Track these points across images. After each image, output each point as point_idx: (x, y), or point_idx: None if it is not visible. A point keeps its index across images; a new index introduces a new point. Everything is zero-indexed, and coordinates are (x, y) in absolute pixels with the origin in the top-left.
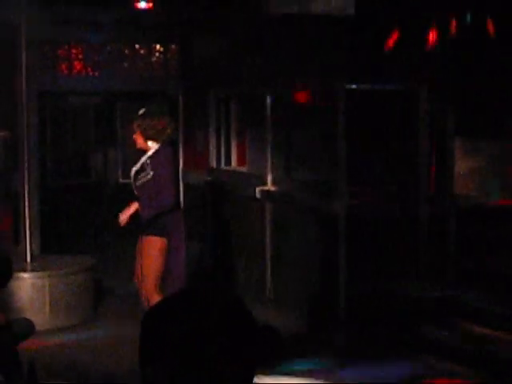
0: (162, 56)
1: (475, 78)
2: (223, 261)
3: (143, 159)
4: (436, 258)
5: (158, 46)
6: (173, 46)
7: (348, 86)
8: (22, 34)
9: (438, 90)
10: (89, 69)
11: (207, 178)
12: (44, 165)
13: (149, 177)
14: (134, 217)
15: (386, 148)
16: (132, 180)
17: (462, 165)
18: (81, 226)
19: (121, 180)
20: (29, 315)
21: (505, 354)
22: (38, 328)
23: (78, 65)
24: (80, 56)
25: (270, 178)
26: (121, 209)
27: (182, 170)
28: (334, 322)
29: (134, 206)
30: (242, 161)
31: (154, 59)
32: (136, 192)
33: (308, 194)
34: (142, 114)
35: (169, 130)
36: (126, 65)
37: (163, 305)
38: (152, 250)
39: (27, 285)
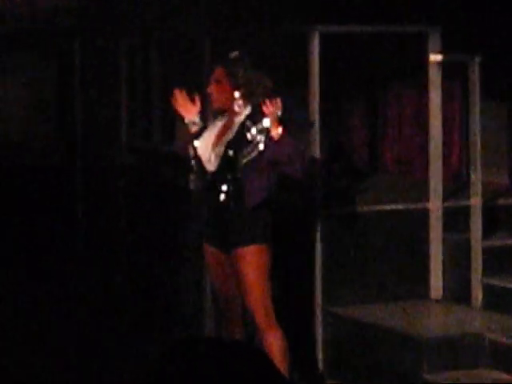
0: None
1: None
2: None
3: (219, 124)
4: None
5: None
6: None
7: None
8: None
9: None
10: None
11: None
12: None
13: (260, 146)
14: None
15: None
16: (218, 159)
17: None
18: None
19: None
20: None
21: None
22: None
23: None
24: None
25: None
26: None
27: None
28: None
29: None
30: None
31: None
32: (240, 175)
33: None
34: (235, 59)
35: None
36: None
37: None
38: (259, 261)
39: None
